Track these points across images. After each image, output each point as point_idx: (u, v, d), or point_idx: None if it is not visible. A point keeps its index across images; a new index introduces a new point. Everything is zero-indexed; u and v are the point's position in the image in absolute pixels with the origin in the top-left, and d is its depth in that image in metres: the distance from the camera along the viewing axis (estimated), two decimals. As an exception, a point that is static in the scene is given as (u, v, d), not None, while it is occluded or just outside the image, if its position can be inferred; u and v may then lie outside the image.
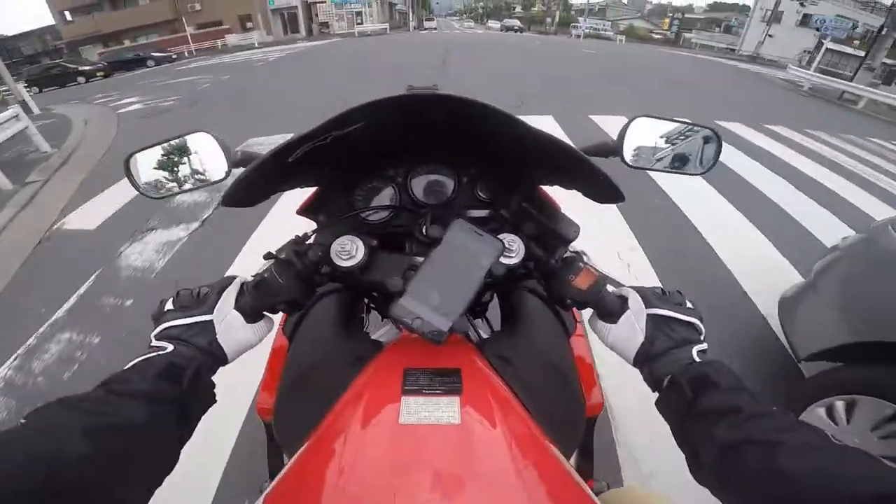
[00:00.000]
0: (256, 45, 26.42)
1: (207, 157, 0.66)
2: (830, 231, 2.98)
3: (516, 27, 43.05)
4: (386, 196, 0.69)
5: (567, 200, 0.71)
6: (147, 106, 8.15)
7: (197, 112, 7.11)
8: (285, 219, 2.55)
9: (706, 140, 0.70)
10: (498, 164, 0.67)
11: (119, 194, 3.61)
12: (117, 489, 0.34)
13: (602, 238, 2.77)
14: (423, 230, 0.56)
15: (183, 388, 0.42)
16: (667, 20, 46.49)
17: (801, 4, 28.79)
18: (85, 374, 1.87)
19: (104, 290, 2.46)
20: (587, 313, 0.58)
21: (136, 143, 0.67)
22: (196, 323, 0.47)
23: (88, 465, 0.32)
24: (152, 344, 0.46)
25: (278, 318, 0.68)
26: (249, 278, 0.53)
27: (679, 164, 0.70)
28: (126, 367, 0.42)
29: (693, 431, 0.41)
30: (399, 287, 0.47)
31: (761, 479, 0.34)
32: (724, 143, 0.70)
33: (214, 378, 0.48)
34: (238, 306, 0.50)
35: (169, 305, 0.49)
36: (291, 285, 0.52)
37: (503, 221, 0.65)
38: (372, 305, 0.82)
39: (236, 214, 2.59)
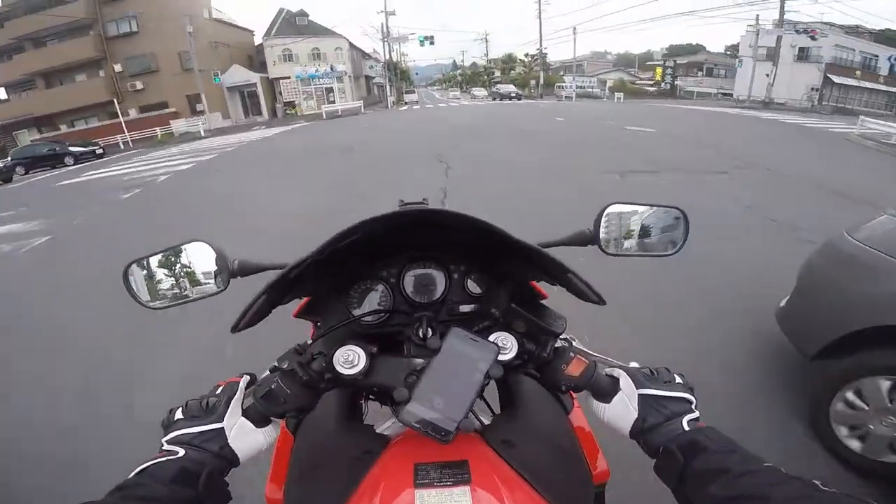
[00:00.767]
0: (203, 133, 22.28)
1: (206, 266, 0.67)
2: None
3: (513, 94, 35.85)
4: (379, 295, 0.71)
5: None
6: None
7: None
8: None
9: (675, 219, 0.75)
10: (486, 261, 0.71)
11: None
12: None
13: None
14: (420, 334, 0.60)
15: (198, 491, 0.43)
16: (659, 70, 42.86)
17: (812, 38, 25.86)
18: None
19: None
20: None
21: None
22: (207, 431, 0.49)
23: None
24: (163, 448, 0.48)
25: None
26: (251, 382, 0.56)
27: (652, 246, 0.76)
28: (137, 471, 0.44)
29: (690, 493, 0.44)
30: (405, 397, 0.49)
31: None
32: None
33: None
34: (246, 413, 0.53)
35: (178, 415, 0.52)
36: (298, 394, 0.55)
37: (494, 319, 0.67)
38: (371, 397, 0.80)
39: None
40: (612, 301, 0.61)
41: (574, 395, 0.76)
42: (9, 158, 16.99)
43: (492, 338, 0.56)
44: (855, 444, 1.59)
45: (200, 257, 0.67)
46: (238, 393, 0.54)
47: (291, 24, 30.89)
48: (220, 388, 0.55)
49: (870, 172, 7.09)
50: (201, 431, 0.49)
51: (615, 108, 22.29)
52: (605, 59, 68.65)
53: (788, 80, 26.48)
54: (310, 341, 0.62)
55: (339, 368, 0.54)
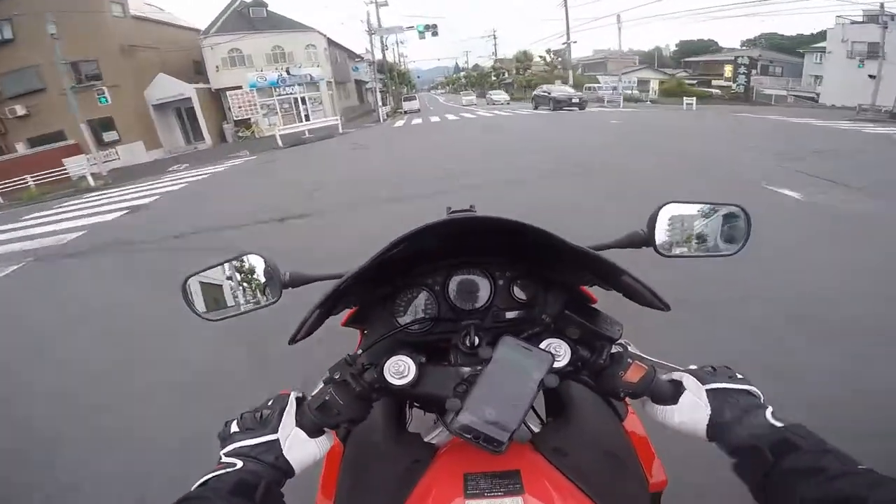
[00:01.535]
0: (91, 181, 14.57)
1: (259, 278, 0.70)
2: None
3: (575, 100, 21.76)
4: (424, 303, 0.72)
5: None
6: None
7: None
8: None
9: (735, 217, 0.71)
10: (532, 266, 0.71)
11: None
12: None
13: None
14: (468, 343, 0.59)
15: (256, 502, 0.44)
16: (730, 67, 33.10)
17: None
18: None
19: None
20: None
21: None
22: (263, 442, 0.51)
23: None
24: (222, 461, 0.49)
25: None
26: (301, 395, 0.57)
27: (712, 245, 0.72)
28: (199, 484, 0.45)
29: (776, 492, 0.42)
30: (457, 407, 0.49)
31: None
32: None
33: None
34: (299, 423, 0.54)
35: (234, 427, 0.53)
36: (351, 405, 0.55)
37: (545, 325, 0.64)
38: (416, 404, 0.82)
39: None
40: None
41: (629, 401, 0.70)
42: None
43: (543, 345, 0.55)
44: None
45: (254, 269, 0.70)
46: (290, 405, 0.55)
47: (244, 18, 23.07)
48: (272, 401, 0.56)
49: None
50: (257, 444, 0.50)
51: (716, 126, 13.79)
52: (628, 56, 53.46)
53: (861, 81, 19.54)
54: (359, 350, 0.63)
55: (389, 379, 0.55)
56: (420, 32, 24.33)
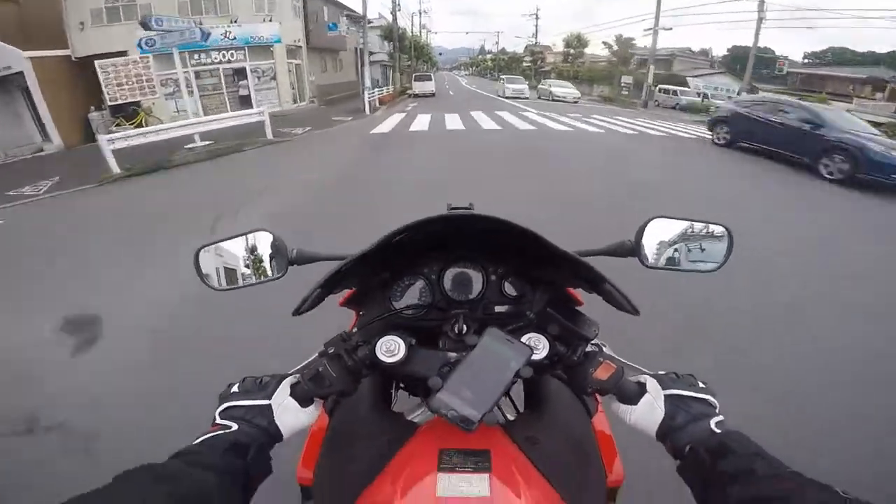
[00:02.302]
0: None
1: (266, 253, 0.75)
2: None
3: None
4: (419, 290, 0.76)
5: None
6: None
7: None
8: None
9: (717, 236, 0.75)
10: (525, 265, 0.75)
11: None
12: None
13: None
14: (456, 330, 0.65)
15: (247, 461, 0.49)
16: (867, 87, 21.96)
17: None
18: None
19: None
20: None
21: None
22: (256, 406, 0.55)
23: None
24: (217, 421, 0.53)
25: None
26: (301, 371, 0.61)
27: (693, 260, 0.76)
28: (196, 441, 0.49)
29: (711, 493, 0.45)
30: (439, 385, 0.51)
31: None
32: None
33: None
34: (293, 392, 0.58)
35: (235, 389, 0.57)
36: (342, 377, 0.59)
37: (528, 320, 0.69)
38: (401, 386, 0.87)
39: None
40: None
41: (599, 400, 0.77)
42: None
43: (524, 338, 0.59)
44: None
45: (262, 245, 0.75)
46: (290, 377, 0.59)
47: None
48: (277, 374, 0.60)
49: None
50: (251, 405, 0.54)
51: None
52: (699, 57, 38.78)
53: None
54: (354, 329, 0.69)
55: (380, 356, 0.59)
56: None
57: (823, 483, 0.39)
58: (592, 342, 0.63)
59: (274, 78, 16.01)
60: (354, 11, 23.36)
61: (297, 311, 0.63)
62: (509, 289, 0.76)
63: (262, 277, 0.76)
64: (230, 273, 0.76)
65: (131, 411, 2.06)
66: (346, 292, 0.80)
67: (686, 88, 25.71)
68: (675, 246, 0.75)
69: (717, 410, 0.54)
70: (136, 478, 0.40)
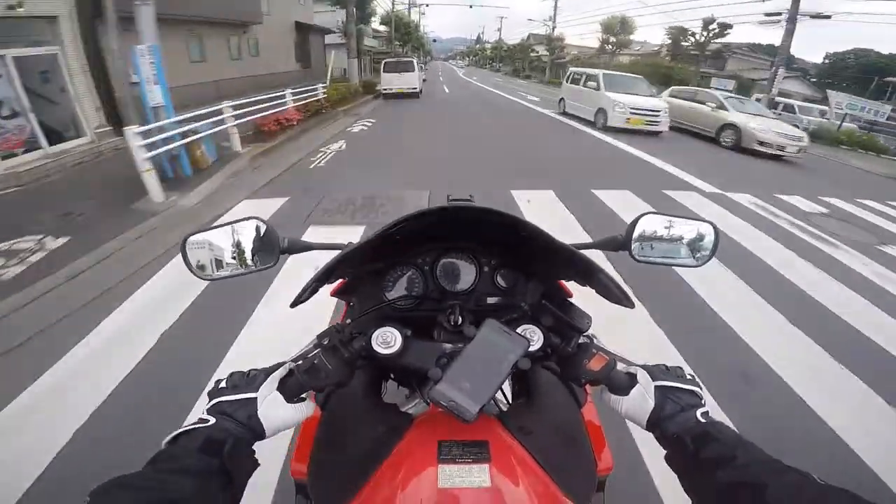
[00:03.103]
0: None
1: (258, 242, 0.72)
2: None
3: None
4: (412, 280, 0.78)
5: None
6: None
7: None
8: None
9: (704, 233, 0.77)
10: (518, 257, 0.77)
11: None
12: None
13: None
14: (452, 321, 0.65)
15: (223, 459, 0.46)
16: None
17: None
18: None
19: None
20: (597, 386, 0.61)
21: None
22: (240, 399, 0.53)
23: None
24: (201, 416, 0.52)
25: None
26: (295, 363, 0.60)
27: (680, 255, 0.78)
28: (169, 439, 0.48)
29: (696, 479, 0.48)
30: (438, 376, 0.52)
31: None
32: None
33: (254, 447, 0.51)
34: (282, 387, 0.56)
35: (223, 384, 0.56)
36: (338, 369, 0.58)
37: (522, 312, 0.70)
38: (391, 376, 0.87)
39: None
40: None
41: (589, 391, 0.79)
42: None
43: (519, 330, 0.60)
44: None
45: (253, 234, 0.72)
46: (280, 370, 0.57)
47: None
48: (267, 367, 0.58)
49: None
50: (235, 400, 0.53)
51: None
52: (753, 55, 30.29)
53: None
54: (347, 320, 0.68)
55: (376, 348, 0.59)
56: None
57: (802, 470, 0.42)
58: (585, 334, 0.64)
59: (67, 73, 5.98)
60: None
61: (295, 303, 0.62)
62: (501, 280, 0.77)
63: (254, 266, 0.72)
64: (220, 261, 0.72)
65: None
66: (337, 285, 0.78)
67: (809, 105, 16.33)
68: (663, 240, 0.77)
69: (703, 401, 0.55)
70: (109, 495, 0.39)
